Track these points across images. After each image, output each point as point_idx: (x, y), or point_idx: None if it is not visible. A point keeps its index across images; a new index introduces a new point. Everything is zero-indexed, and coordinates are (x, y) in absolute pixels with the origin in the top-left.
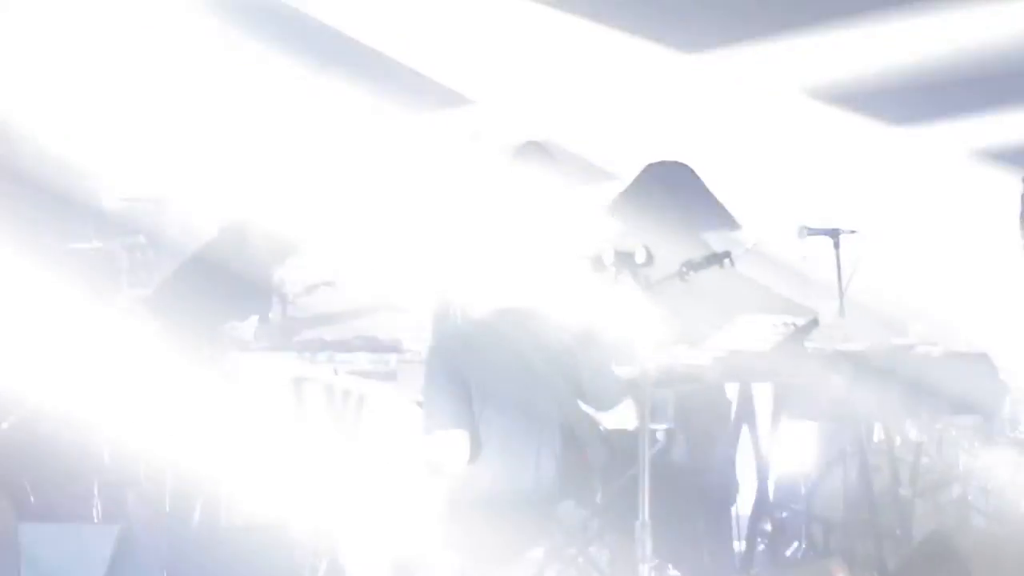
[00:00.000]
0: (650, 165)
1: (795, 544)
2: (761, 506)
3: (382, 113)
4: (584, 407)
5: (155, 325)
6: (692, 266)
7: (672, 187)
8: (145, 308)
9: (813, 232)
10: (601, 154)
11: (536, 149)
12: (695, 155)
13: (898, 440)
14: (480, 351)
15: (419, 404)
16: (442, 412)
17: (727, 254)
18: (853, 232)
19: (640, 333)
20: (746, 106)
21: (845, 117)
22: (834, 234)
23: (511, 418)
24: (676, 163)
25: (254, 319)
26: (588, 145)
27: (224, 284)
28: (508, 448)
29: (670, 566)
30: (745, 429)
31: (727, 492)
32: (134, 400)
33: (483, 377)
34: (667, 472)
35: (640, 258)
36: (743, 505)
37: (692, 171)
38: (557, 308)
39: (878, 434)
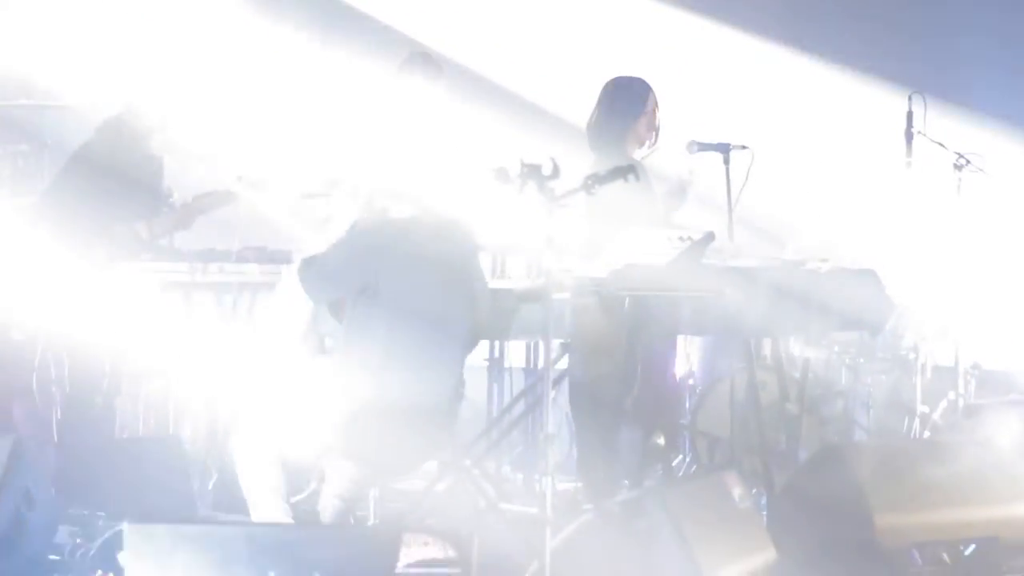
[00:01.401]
0: (607, 83)
1: (679, 458)
2: (653, 420)
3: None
4: None
5: (43, 230)
6: (596, 179)
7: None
8: (32, 214)
9: (703, 147)
10: (493, 68)
11: (422, 59)
12: (586, 71)
13: (784, 355)
14: (391, 258)
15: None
16: (323, 275)
17: (631, 168)
18: (744, 148)
19: (543, 244)
20: (634, 21)
21: (732, 34)
22: (724, 149)
23: (419, 329)
24: (631, 79)
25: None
26: (479, 59)
27: (107, 183)
28: (416, 360)
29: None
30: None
31: (621, 405)
32: (23, 307)
33: (394, 286)
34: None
35: (547, 170)
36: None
37: (645, 86)
38: (466, 218)
39: (766, 349)
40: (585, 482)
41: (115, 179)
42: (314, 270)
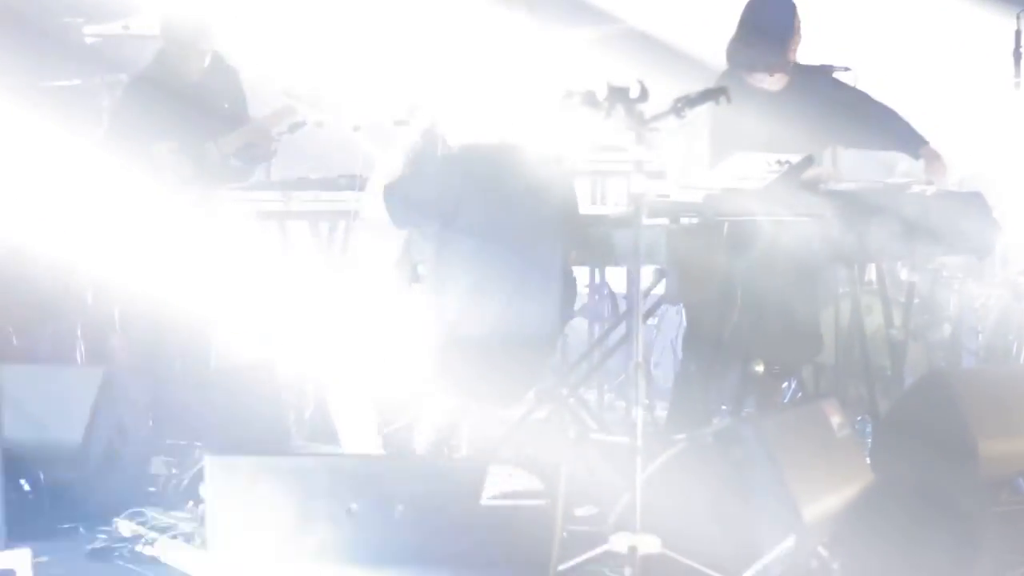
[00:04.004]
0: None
1: (784, 385)
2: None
3: None
4: None
5: (114, 159)
6: (687, 102)
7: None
8: (101, 144)
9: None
10: None
11: None
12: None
13: (890, 280)
14: (477, 184)
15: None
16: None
17: (723, 90)
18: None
19: (633, 169)
20: None
21: None
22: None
23: (509, 256)
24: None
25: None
26: None
27: (168, 106)
28: (507, 287)
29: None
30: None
31: (720, 331)
32: (116, 240)
33: (482, 214)
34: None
35: (634, 93)
36: None
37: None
38: (553, 144)
39: (870, 274)
40: (672, 410)
41: (177, 101)
42: (399, 196)
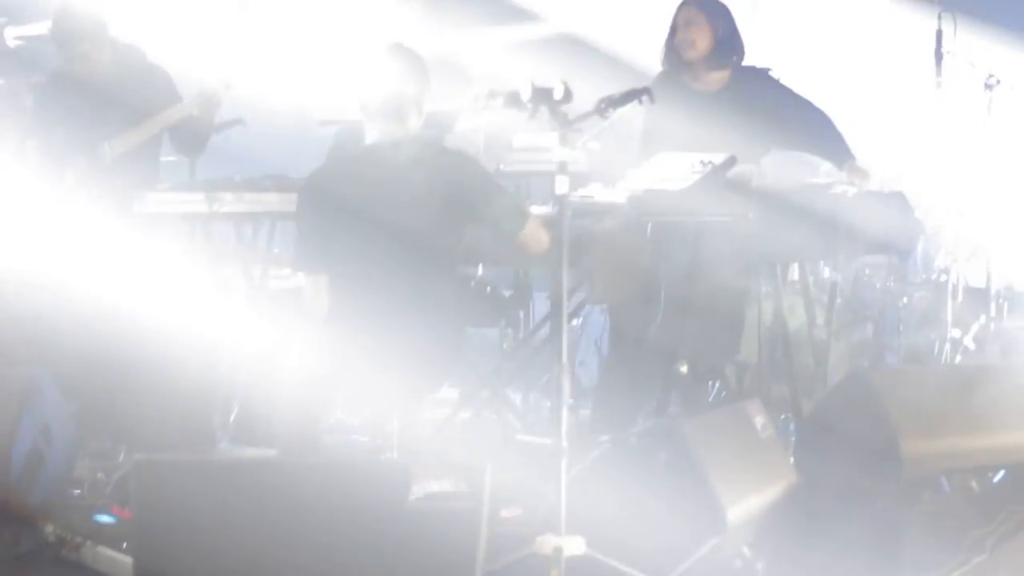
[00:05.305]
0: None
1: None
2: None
3: None
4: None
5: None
6: (610, 102)
7: None
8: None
9: None
10: None
11: None
12: None
13: (813, 280)
14: (369, 180)
15: None
16: (308, 248)
17: (646, 90)
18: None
19: (557, 170)
20: None
21: None
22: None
23: (405, 249)
24: None
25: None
26: None
27: (69, 103)
28: (402, 281)
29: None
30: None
31: (644, 331)
32: (37, 242)
33: (372, 206)
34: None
35: (558, 94)
36: None
37: None
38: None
39: (793, 274)
40: (597, 410)
41: (79, 100)
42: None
